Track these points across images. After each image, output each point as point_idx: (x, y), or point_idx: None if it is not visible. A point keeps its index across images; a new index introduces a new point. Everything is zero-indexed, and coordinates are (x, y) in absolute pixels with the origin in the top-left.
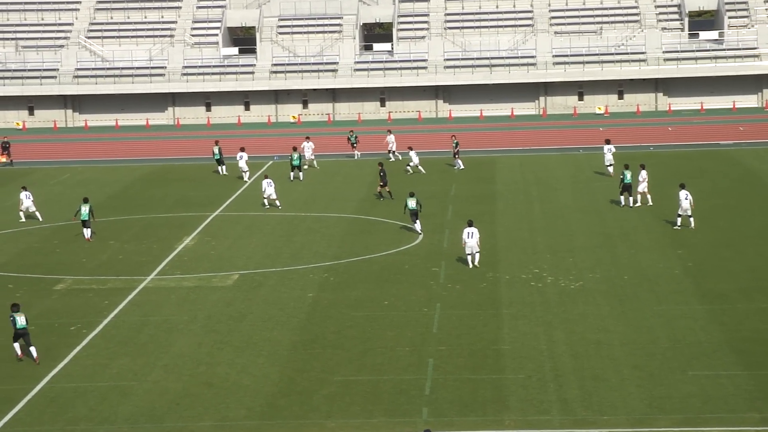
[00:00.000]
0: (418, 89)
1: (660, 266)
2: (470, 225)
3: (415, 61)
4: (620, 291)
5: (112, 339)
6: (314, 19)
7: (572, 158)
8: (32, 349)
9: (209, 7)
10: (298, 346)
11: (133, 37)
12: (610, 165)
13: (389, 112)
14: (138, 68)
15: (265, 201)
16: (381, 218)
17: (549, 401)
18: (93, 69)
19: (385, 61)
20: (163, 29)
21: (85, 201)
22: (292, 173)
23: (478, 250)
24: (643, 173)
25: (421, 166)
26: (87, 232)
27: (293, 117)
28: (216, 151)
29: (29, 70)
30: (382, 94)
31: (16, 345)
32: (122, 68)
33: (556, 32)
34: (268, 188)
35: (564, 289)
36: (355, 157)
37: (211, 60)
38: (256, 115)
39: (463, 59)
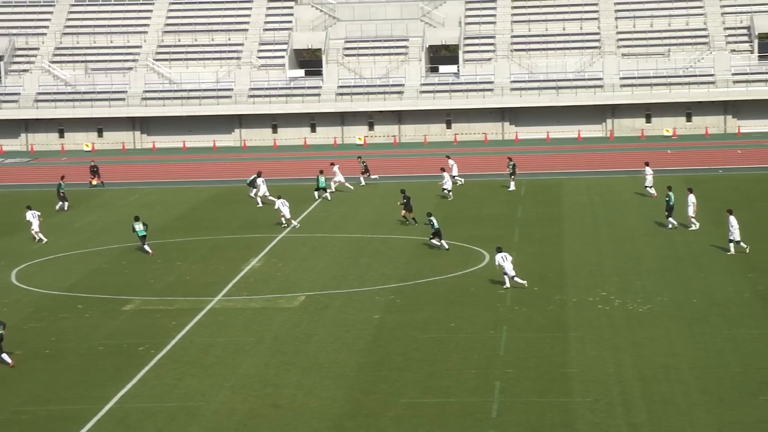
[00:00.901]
0: (484, 111)
1: (729, 290)
2: (500, 251)
3: (481, 83)
4: (689, 314)
5: (180, 360)
6: (380, 41)
7: (639, 181)
8: (4, 356)
9: (276, 29)
10: (364, 368)
11: (200, 59)
12: (650, 186)
13: (455, 134)
14: (205, 90)
15: (283, 220)
16: (448, 240)
17: (617, 425)
18: (161, 91)
19: (451, 83)
20: (230, 51)
21: (137, 219)
22: (316, 193)
23: (514, 273)
24: (691, 197)
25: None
26: (147, 247)
27: (359, 139)
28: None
29: (98, 93)
30: (447, 116)
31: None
32: (190, 90)
33: (623, 54)
34: (283, 208)
35: (632, 312)
36: (361, 183)
37: (278, 82)
38: (322, 137)
39: (529, 81)
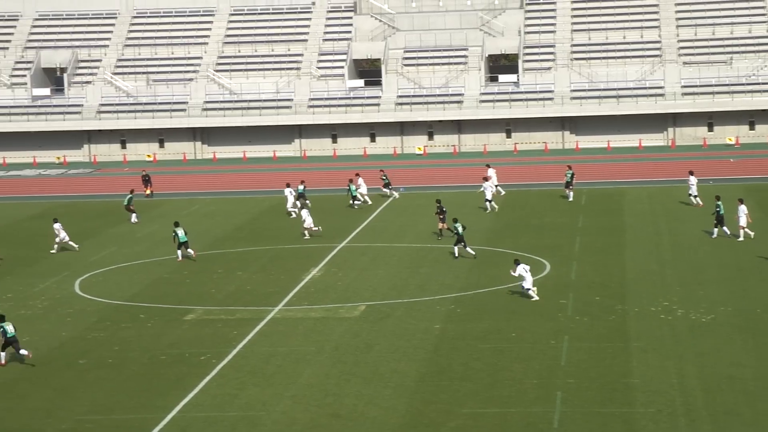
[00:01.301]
0: (544, 120)
1: None
2: (519, 263)
3: (541, 92)
4: (753, 324)
5: (241, 369)
6: (439, 50)
7: (702, 190)
8: (23, 351)
9: (335, 39)
10: (425, 378)
11: (260, 69)
12: (695, 195)
13: (515, 144)
14: (265, 100)
15: (305, 231)
16: (508, 249)
17: None
18: (221, 101)
19: (511, 92)
20: (289, 62)
21: (177, 225)
22: (352, 201)
23: (530, 286)
24: (743, 207)
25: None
26: (191, 252)
27: (419, 149)
28: (300, 188)
29: (160, 103)
30: (507, 126)
31: (3, 354)
32: (250, 100)
33: (684, 62)
34: (308, 218)
35: (695, 322)
36: (391, 195)
37: (337, 92)
38: (381, 147)
39: (589, 90)
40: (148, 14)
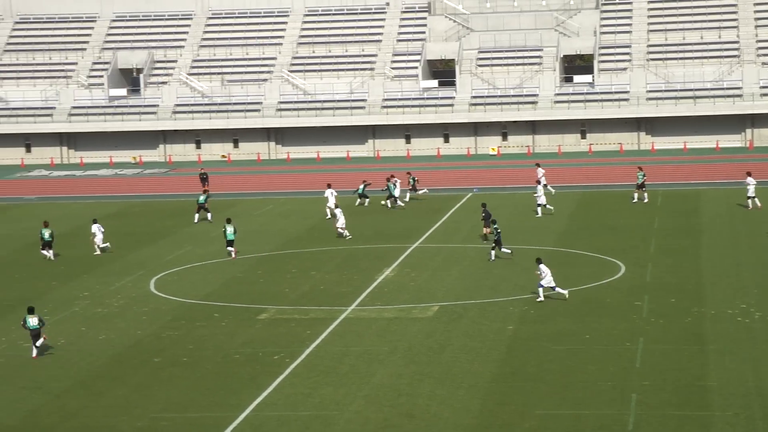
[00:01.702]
0: (619, 121)
1: None
2: (541, 261)
3: (616, 92)
4: None
5: (315, 368)
6: (514, 51)
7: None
8: (39, 342)
9: (410, 40)
10: (498, 379)
11: (334, 70)
12: (753, 197)
13: (590, 144)
14: (339, 101)
15: (339, 230)
16: (582, 251)
17: None
18: (295, 102)
19: (586, 93)
20: (364, 62)
21: (228, 221)
22: (388, 201)
23: (555, 284)
24: None
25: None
26: (231, 250)
27: (492, 149)
28: (360, 188)
29: (234, 104)
30: (582, 126)
31: (34, 347)
32: (324, 101)
33: (763, 63)
34: (341, 218)
35: None
36: (405, 199)
37: (411, 92)
38: (455, 147)
39: (666, 91)
40: (223, 15)
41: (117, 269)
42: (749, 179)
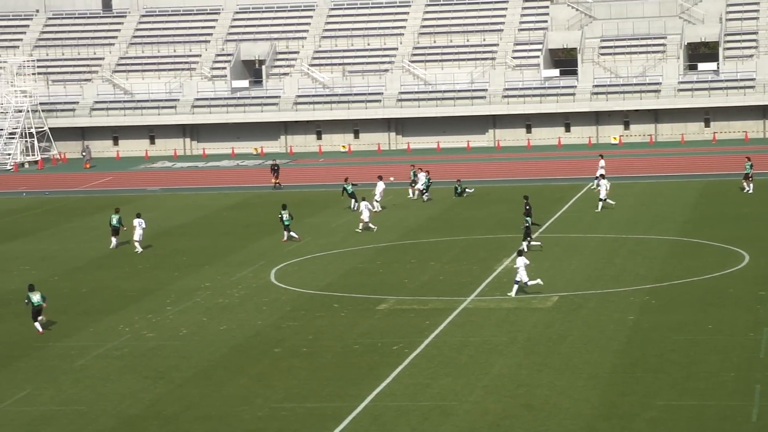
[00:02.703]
0: (744, 109)
1: None
2: (522, 254)
3: (742, 80)
4: None
5: (433, 359)
6: (637, 39)
7: None
8: (40, 318)
9: (531, 29)
10: (618, 370)
11: (455, 60)
12: None
13: (714, 133)
14: (459, 91)
15: (360, 225)
16: (705, 240)
17: None
18: (416, 92)
19: (711, 81)
20: (485, 52)
21: (284, 207)
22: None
23: (528, 279)
24: None
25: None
26: (294, 235)
27: (614, 138)
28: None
29: (355, 95)
30: (706, 115)
31: (37, 324)
32: (444, 91)
33: None
34: (365, 211)
35: None
36: (409, 195)
37: (532, 82)
38: (576, 137)
39: None
40: (345, 6)
41: (238, 260)
42: None
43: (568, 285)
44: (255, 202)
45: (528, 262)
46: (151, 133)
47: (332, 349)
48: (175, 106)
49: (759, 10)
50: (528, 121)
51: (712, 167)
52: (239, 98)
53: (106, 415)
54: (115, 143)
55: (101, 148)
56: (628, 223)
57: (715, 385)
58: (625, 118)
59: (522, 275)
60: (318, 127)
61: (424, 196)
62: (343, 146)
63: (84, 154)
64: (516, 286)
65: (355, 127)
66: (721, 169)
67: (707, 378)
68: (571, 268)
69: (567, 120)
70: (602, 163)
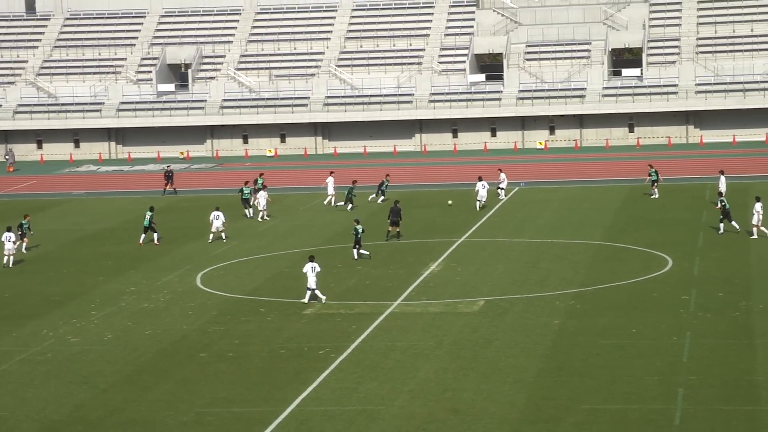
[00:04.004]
0: (668, 114)
1: None
2: (313, 260)
3: (665, 86)
4: None
5: (360, 363)
6: (562, 44)
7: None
8: None
9: (457, 34)
10: (544, 374)
11: (382, 65)
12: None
13: (638, 138)
14: (386, 95)
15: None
16: (630, 245)
17: None
18: (342, 97)
19: (635, 86)
20: (411, 57)
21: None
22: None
23: (316, 287)
24: (758, 205)
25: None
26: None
27: (540, 143)
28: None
29: (282, 99)
30: (630, 120)
31: None
32: (371, 95)
33: None
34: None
35: None
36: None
37: (459, 87)
38: (502, 142)
39: (715, 84)
40: (272, 10)
41: (164, 264)
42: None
43: (494, 289)
44: (181, 206)
45: (319, 269)
46: (76, 136)
47: (259, 353)
48: (100, 109)
49: (681, 17)
50: (454, 126)
51: (637, 172)
52: (165, 102)
53: (28, 420)
54: (39, 147)
55: (25, 152)
56: (554, 227)
57: (639, 389)
58: (551, 123)
59: (311, 283)
60: (244, 131)
61: (336, 203)
62: (270, 150)
63: (7, 157)
64: (309, 293)
65: (282, 131)
66: (645, 175)
67: (631, 382)
68: (497, 272)
69: (493, 125)
70: (503, 176)
